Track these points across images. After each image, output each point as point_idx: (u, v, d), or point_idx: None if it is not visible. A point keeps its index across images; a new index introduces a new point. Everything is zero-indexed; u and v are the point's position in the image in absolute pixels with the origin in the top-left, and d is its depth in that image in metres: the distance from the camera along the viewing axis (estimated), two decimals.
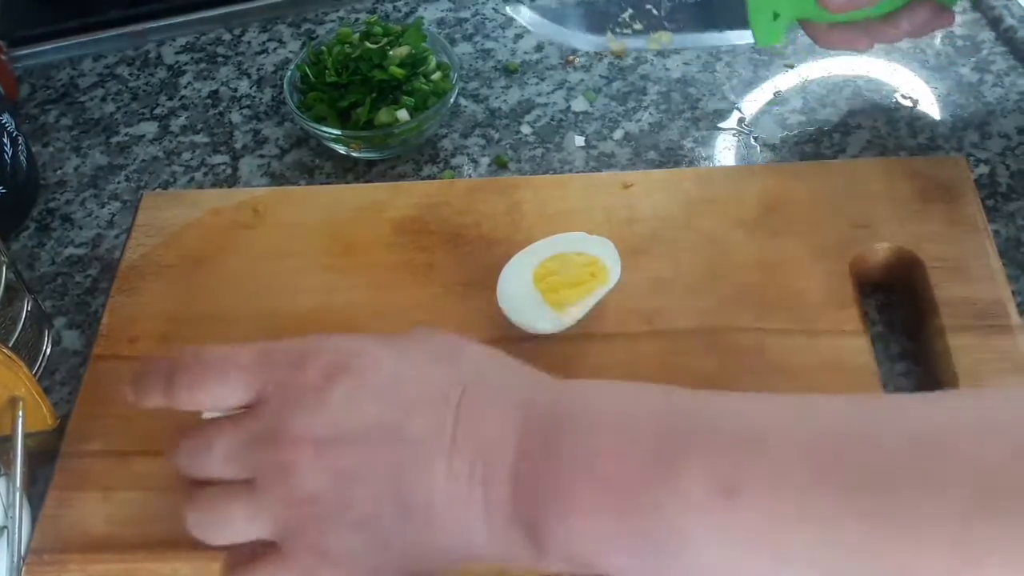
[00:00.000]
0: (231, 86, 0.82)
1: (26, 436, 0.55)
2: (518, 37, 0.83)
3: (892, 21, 0.61)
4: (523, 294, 0.58)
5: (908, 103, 0.74)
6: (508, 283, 0.59)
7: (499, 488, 0.41)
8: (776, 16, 0.55)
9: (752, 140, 0.73)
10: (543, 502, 0.40)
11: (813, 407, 0.40)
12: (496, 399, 0.42)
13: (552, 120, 0.76)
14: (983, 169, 0.69)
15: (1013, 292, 0.58)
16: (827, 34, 0.63)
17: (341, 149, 0.74)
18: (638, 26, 0.57)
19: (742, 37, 0.58)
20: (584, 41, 0.59)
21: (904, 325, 0.61)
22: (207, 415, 0.46)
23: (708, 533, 0.38)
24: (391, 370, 0.43)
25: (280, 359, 0.43)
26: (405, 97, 0.72)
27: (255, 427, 0.42)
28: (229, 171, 0.75)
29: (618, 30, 0.57)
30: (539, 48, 0.82)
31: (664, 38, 0.55)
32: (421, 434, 0.41)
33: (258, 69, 0.83)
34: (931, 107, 0.74)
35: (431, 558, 0.43)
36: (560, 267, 0.59)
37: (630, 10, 0.56)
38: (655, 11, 0.56)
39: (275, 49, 0.85)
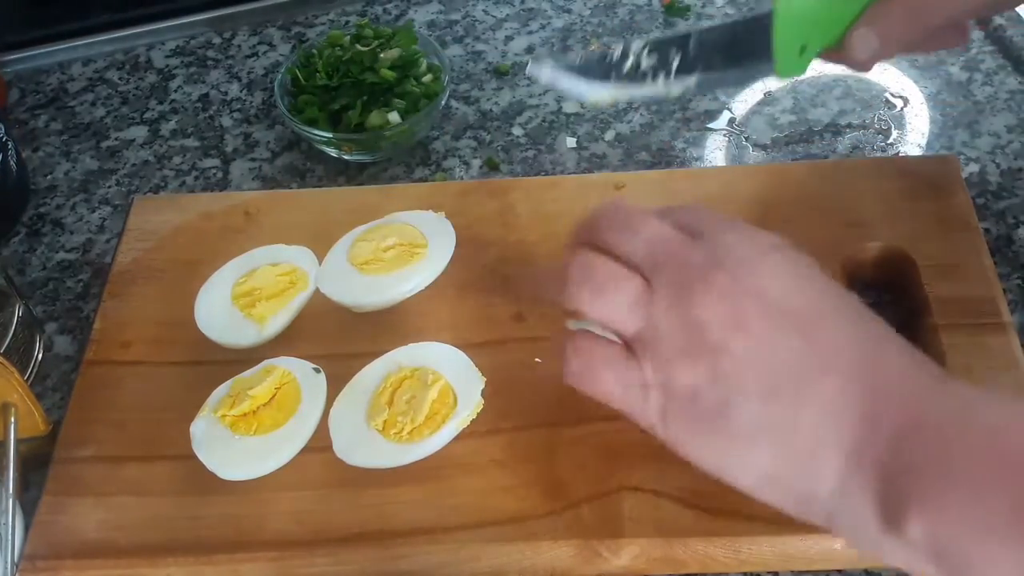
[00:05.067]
0: (221, 90, 0.82)
1: (18, 442, 0.55)
2: (508, 39, 0.83)
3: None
4: (222, 313, 0.59)
5: (898, 102, 0.74)
6: (205, 304, 0.60)
7: (880, 433, 0.38)
8: (803, 50, 0.53)
9: (743, 140, 0.73)
10: (924, 469, 0.36)
11: None
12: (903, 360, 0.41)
13: (544, 121, 0.76)
14: (973, 167, 0.70)
15: (1004, 290, 0.59)
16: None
17: (332, 152, 0.74)
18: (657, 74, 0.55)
19: (763, 71, 0.55)
20: (602, 93, 0.57)
21: (896, 323, 0.60)
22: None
23: None
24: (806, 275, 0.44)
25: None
26: (396, 99, 0.72)
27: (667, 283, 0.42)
28: (220, 175, 0.75)
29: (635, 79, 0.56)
30: (530, 49, 0.82)
31: (689, 81, 0.54)
32: (831, 344, 0.40)
33: (248, 72, 0.83)
34: (921, 106, 0.74)
35: (751, 438, 0.40)
36: (258, 280, 0.60)
37: (652, 57, 0.54)
38: (678, 56, 0.55)
39: (265, 52, 0.85)
